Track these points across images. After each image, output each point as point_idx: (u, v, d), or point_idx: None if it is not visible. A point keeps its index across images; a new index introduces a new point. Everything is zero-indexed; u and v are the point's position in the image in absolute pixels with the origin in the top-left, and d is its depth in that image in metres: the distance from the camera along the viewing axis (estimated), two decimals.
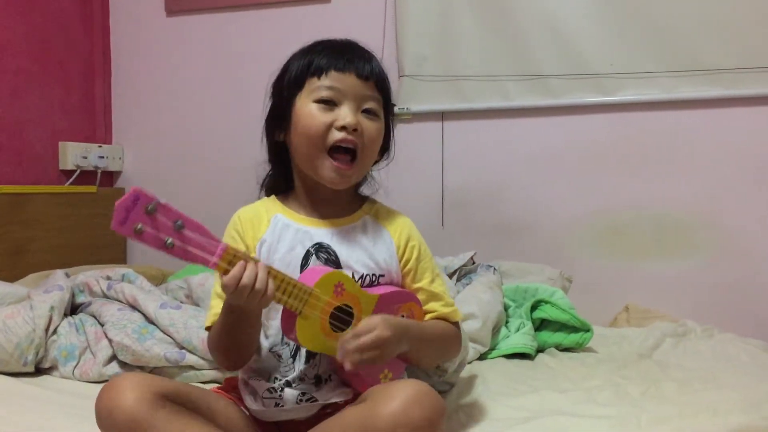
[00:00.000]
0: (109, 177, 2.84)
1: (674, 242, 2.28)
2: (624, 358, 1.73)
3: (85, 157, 2.66)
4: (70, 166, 2.62)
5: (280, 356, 1.12)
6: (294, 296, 1.01)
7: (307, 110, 1.11)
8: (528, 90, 2.37)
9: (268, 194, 1.23)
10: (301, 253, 1.12)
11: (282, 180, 1.22)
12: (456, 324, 1.21)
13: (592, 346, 1.83)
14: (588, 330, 1.80)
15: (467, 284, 1.94)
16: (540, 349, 1.79)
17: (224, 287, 0.95)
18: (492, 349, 1.75)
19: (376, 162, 1.22)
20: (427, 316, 1.17)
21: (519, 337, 1.76)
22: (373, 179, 1.26)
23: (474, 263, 2.13)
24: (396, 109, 2.45)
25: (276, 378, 1.11)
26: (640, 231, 2.31)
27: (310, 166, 1.13)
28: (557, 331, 1.82)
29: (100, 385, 1.46)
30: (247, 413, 1.14)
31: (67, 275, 1.86)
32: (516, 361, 1.71)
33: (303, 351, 1.11)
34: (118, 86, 2.86)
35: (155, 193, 0.89)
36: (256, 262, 0.97)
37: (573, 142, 2.36)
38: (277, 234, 1.14)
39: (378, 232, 1.17)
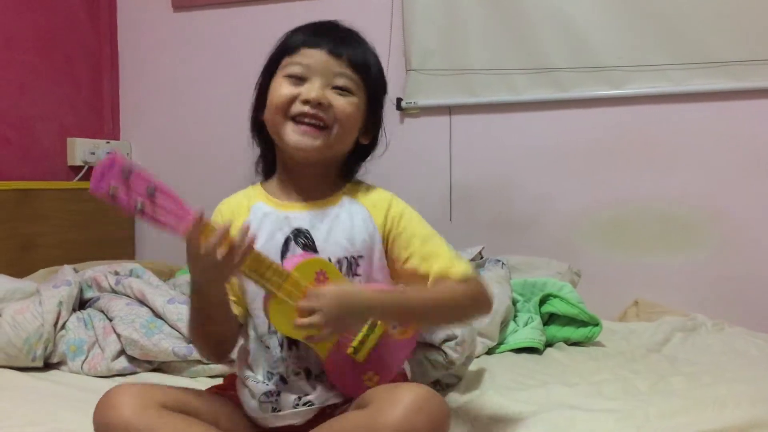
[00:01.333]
0: None
1: (684, 236, 2.26)
2: (633, 352, 1.73)
3: (93, 153, 2.67)
4: (78, 162, 2.63)
5: (268, 347, 1.10)
6: (267, 278, 0.98)
7: (277, 83, 1.12)
8: (536, 83, 2.35)
9: (265, 176, 1.21)
10: (281, 239, 1.10)
11: (269, 161, 1.21)
12: (463, 279, 1.11)
13: (601, 341, 1.82)
14: (597, 324, 1.80)
15: None
16: (548, 344, 1.79)
17: (188, 244, 0.95)
18: (500, 343, 1.75)
19: (364, 152, 1.19)
20: (429, 284, 1.11)
21: (527, 332, 1.75)
22: (360, 168, 1.21)
23: (482, 258, 2.13)
24: (403, 104, 2.45)
25: (270, 373, 1.09)
26: (649, 224, 2.29)
27: (277, 134, 1.12)
28: (566, 326, 1.82)
29: (109, 380, 1.49)
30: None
31: (76, 270, 1.87)
32: (524, 356, 1.70)
33: (290, 340, 1.08)
34: (125, 82, 2.86)
35: None
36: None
37: (581, 135, 2.34)
38: (257, 223, 1.12)
39: (356, 210, 1.14)
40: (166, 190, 0.94)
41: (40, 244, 2.37)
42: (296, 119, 1.09)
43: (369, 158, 1.22)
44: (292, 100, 1.09)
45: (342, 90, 1.10)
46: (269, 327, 1.09)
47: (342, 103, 1.10)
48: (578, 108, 2.34)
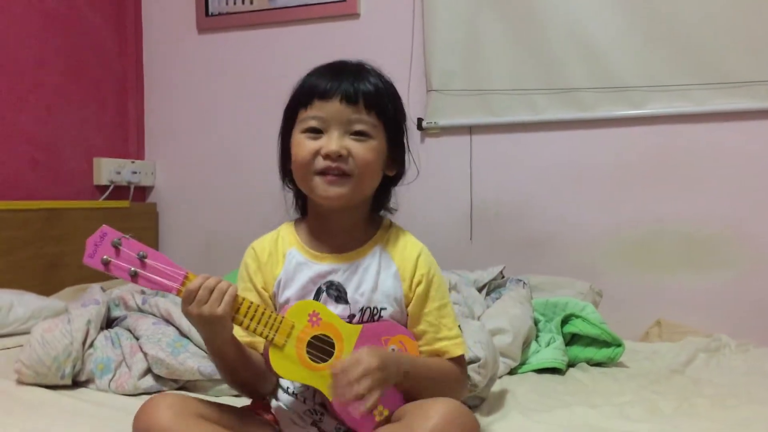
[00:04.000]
0: (142, 192, 2.89)
1: (705, 256, 2.25)
2: (656, 373, 1.72)
3: (119, 173, 2.72)
4: (104, 182, 2.67)
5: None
6: (263, 323, 1.03)
7: (297, 140, 1.13)
8: (556, 103, 2.37)
9: (302, 213, 1.24)
10: (313, 290, 1.14)
11: (303, 201, 1.24)
12: (458, 361, 1.16)
13: (624, 361, 1.81)
14: (619, 345, 1.79)
15: (497, 298, 1.94)
16: (571, 364, 1.78)
17: (182, 300, 1.01)
18: (522, 363, 1.74)
19: (392, 181, 1.21)
20: (422, 349, 1.15)
21: (550, 352, 1.75)
22: (390, 200, 1.23)
23: (503, 277, 2.13)
24: (424, 124, 2.47)
25: (304, 398, 1.12)
26: (671, 244, 2.29)
27: (307, 189, 1.15)
28: (588, 346, 1.81)
29: (135, 398, 1.50)
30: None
31: (103, 289, 1.89)
32: (547, 376, 1.70)
33: None
34: (150, 103, 2.92)
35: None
36: (218, 281, 1.02)
37: (602, 155, 2.35)
38: (291, 271, 1.16)
39: (386, 264, 1.16)
40: (157, 254, 1.02)
41: (67, 263, 2.40)
42: (321, 173, 1.11)
43: (396, 186, 1.23)
44: (314, 155, 1.10)
45: (360, 135, 1.11)
46: None
47: (361, 152, 1.11)
48: (599, 128, 2.35)
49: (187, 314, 1.01)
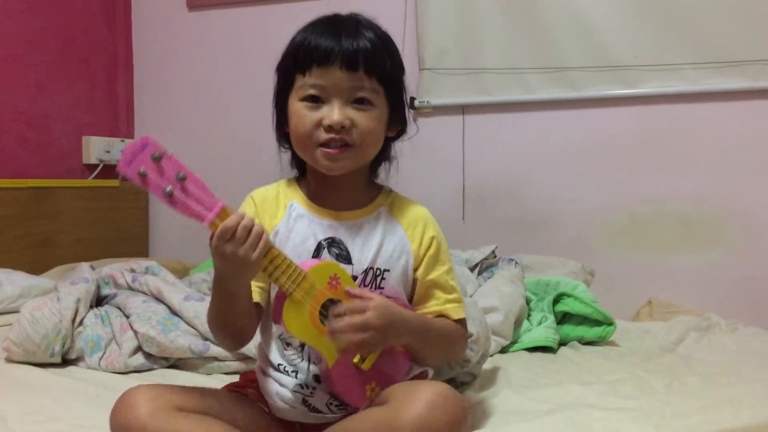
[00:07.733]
0: None
1: (698, 236, 2.26)
2: (647, 351, 1.72)
3: (108, 152, 2.69)
4: (93, 161, 2.65)
5: (288, 344, 1.10)
6: (287, 274, 0.99)
7: (295, 109, 1.08)
8: (550, 82, 2.35)
9: (300, 173, 1.19)
10: (313, 245, 1.10)
11: (301, 161, 1.18)
12: (460, 323, 1.16)
13: (615, 340, 1.82)
14: (611, 323, 1.79)
15: (489, 278, 1.95)
16: (562, 343, 1.79)
17: (217, 236, 0.94)
18: (514, 342, 1.75)
19: (391, 139, 1.17)
20: (430, 310, 1.14)
21: (541, 331, 1.75)
22: (389, 163, 1.20)
23: (495, 257, 2.13)
24: (417, 103, 2.45)
25: (295, 371, 1.09)
26: (663, 224, 2.29)
27: (308, 159, 1.11)
28: (579, 325, 1.81)
29: (126, 376, 1.50)
30: (268, 410, 1.12)
31: (93, 268, 1.88)
32: (538, 354, 1.70)
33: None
34: (140, 81, 2.89)
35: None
36: (252, 221, 0.96)
37: (595, 134, 2.34)
38: (291, 223, 1.12)
39: (391, 226, 1.14)
40: (196, 179, 0.94)
41: (56, 242, 2.39)
42: (323, 145, 1.07)
43: (397, 141, 1.19)
44: (315, 126, 1.06)
45: (363, 103, 1.07)
46: None
47: (365, 122, 1.06)
48: (593, 107, 2.34)
49: (220, 251, 0.94)
